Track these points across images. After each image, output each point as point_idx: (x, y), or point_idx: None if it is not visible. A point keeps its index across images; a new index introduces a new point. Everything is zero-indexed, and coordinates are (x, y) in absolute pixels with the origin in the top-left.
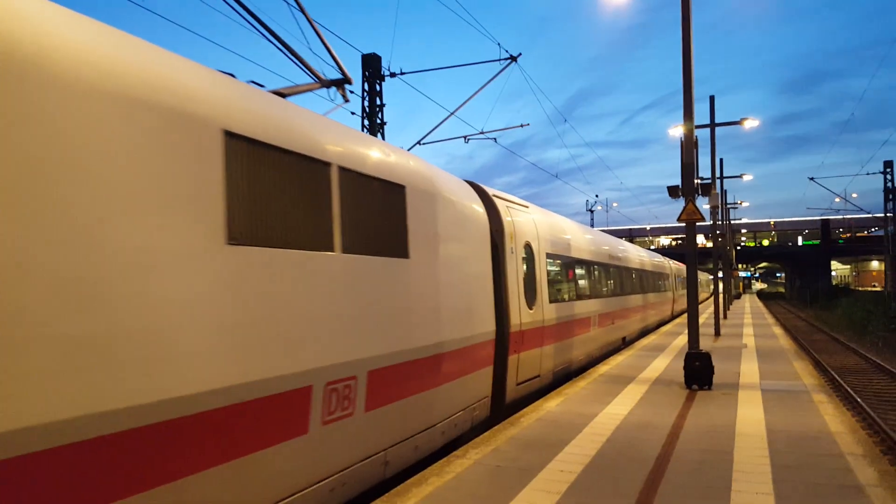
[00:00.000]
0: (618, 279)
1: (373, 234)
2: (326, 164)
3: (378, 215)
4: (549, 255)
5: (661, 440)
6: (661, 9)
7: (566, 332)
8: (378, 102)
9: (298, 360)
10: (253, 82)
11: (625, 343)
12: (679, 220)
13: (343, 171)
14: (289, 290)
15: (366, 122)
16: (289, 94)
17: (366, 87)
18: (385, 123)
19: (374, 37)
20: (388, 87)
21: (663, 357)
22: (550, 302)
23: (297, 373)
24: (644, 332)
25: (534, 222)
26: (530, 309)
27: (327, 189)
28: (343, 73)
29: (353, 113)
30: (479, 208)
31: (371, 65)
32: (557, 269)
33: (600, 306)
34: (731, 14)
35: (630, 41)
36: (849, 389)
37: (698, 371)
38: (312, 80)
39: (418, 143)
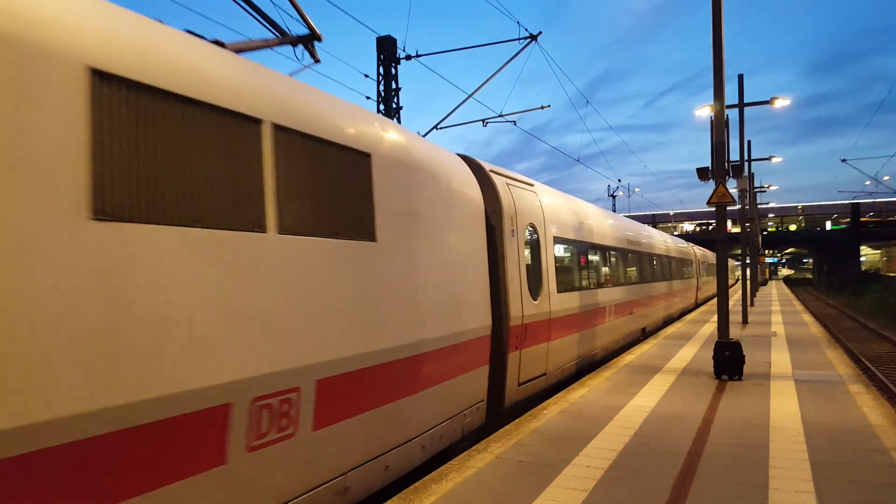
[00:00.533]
0: (637, 266)
1: (325, 212)
2: (255, 121)
3: (333, 188)
4: (557, 240)
5: (691, 433)
6: None
7: (578, 325)
8: (394, 86)
9: (208, 372)
10: (192, 33)
11: (644, 334)
12: (709, 203)
13: (280, 130)
14: (192, 281)
15: (381, 107)
16: (243, 50)
17: (381, 70)
18: (401, 108)
19: (389, 18)
20: (405, 69)
21: (690, 346)
22: (559, 291)
23: (204, 388)
24: (667, 322)
25: (539, 203)
26: (535, 300)
27: (256, 153)
28: (310, 27)
29: (367, 97)
30: (471, 184)
31: (386, 48)
32: (568, 254)
33: (617, 295)
34: None
35: (651, 23)
36: (884, 379)
37: (728, 361)
38: (274, 36)
39: (435, 127)
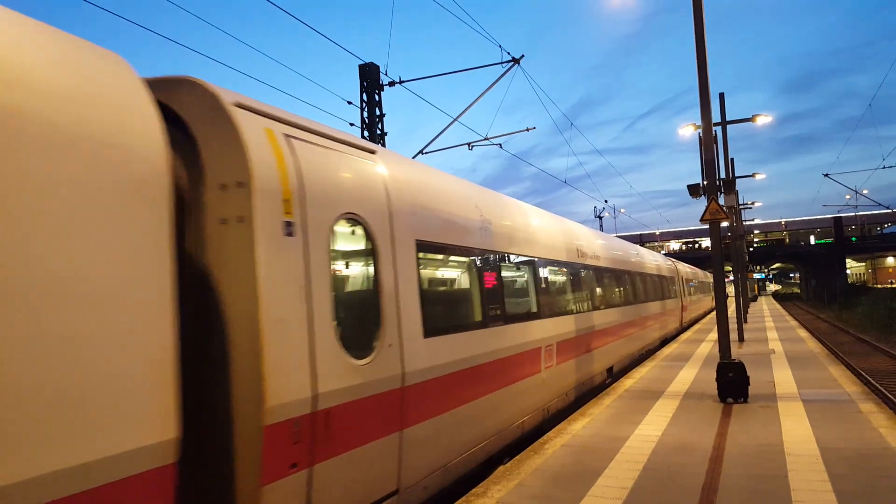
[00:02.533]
0: (593, 286)
1: None
2: None
3: None
4: (428, 247)
5: (703, 465)
6: (655, 15)
7: (477, 385)
8: (378, 112)
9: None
10: None
11: (611, 375)
12: (702, 219)
13: None
14: None
15: (366, 133)
16: None
17: (364, 97)
18: (385, 133)
19: (371, 44)
20: (389, 95)
21: (689, 367)
22: (430, 335)
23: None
24: (645, 353)
25: (383, 181)
26: (359, 356)
27: None
28: None
29: (351, 124)
30: (120, 121)
31: (369, 75)
32: (459, 272)
33: (563, 327)
34: (727, 16)
35: (629, 47)
36: (893, 399)
37: (732, 383)
38: None
39: (421, 152)
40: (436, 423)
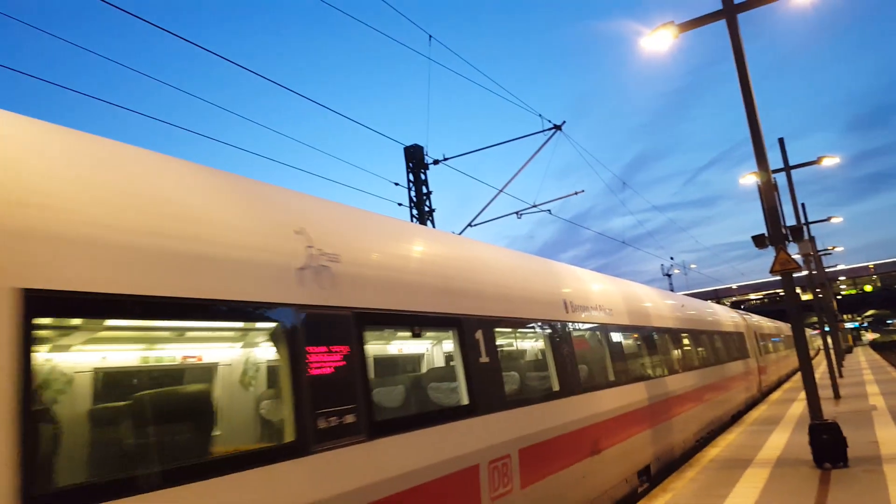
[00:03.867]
0: (604, 356)
1: None
2: None
3: None
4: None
5: None
6: (705, 67)
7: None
8: (424, 191)
9: None
10: None
11: (649, 476)
12: (772, 271)
13: None
14: None
15: (414, 212)
16: None
17: (410, 177)
18: (433, 210)
19: (412, 124)
20: (435, 173)
21: (780, 431)
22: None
23: None
24: (708, 436)
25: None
26: None
27: None
28: None
29: (399, 204)
30: None
31: (414, 156)
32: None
33: (548, 420)
34: (783, 60)
35: (678, 102)
36: None
37: (827, 446)
38: None
39: (470, 224)
40: None
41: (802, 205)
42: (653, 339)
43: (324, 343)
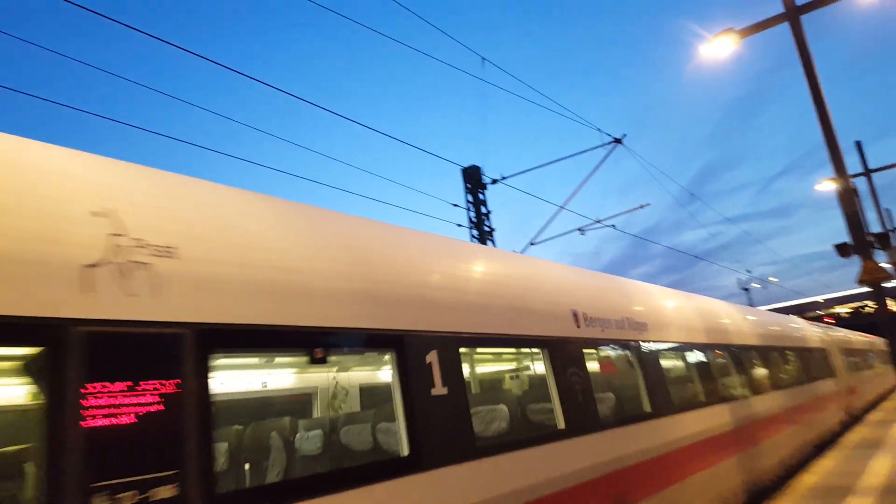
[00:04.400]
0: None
1: None
2: None
3: None
4: None
5: None
6: (771, 72)
7: None
8: (483, 210)
9: None
10: None
11: None
12: (859, 281)
13: None
14: None
15: (474, 232)
16: None
17: (469, 198)
18: (493, 230)
19: (469, 145)
20: (496, 192)
21: (883, 455)
22: None
23: None
24: (785, 473)
25: None
26: None
27: None
28: None
29: (459, 225)
30: None
31: (472, 177)
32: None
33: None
34: (855, 58)
35: (745, 110)
36: None
37: None
38: None
39: (531, 243)
40: None
41: (887, 210)
42: (714, 358)
43: (125, 377)
